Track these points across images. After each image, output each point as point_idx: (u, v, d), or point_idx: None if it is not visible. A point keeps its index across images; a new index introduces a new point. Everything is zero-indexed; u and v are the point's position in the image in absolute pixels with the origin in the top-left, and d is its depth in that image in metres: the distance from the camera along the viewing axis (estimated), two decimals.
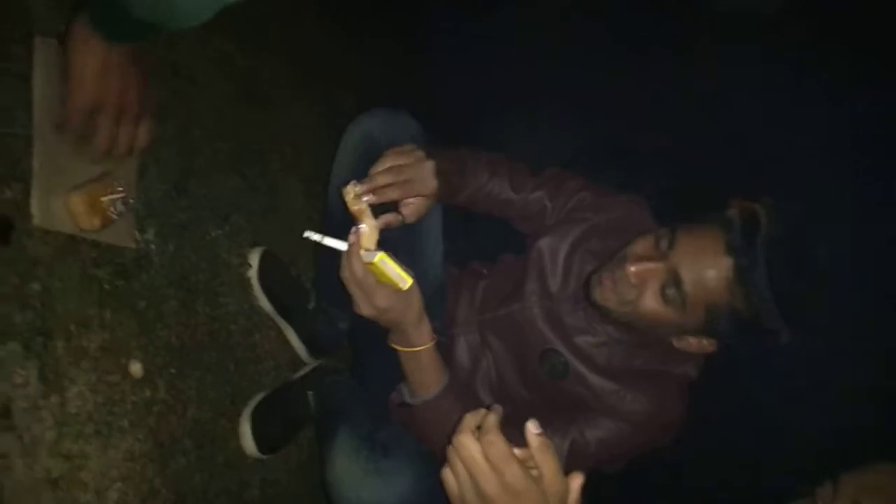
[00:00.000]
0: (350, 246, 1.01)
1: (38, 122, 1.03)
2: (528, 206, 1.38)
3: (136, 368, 1.18)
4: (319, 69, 2.11)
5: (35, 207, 1.01)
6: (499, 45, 2.54)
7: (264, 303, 1.55)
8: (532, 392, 1.33)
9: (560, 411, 1.25)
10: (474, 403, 1.28)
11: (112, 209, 1.10)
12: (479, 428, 0.78)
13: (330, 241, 1.02)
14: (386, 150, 1.18)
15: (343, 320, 1.56)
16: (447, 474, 0.79)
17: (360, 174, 1.13)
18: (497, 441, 0.75)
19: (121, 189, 1.11)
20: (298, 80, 1.94)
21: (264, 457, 1.44)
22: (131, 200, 1.14)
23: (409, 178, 1.10)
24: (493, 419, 0.78)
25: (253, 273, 1.53)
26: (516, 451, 0.76)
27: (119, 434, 1.12)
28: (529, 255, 1.36)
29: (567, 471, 0.77)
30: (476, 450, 0.75)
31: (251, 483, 1.46)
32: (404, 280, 0.99)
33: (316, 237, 1.02)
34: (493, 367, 1.38)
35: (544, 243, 1.35)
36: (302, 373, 1.61)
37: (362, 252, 0.99)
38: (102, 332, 1.11)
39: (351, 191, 1.03)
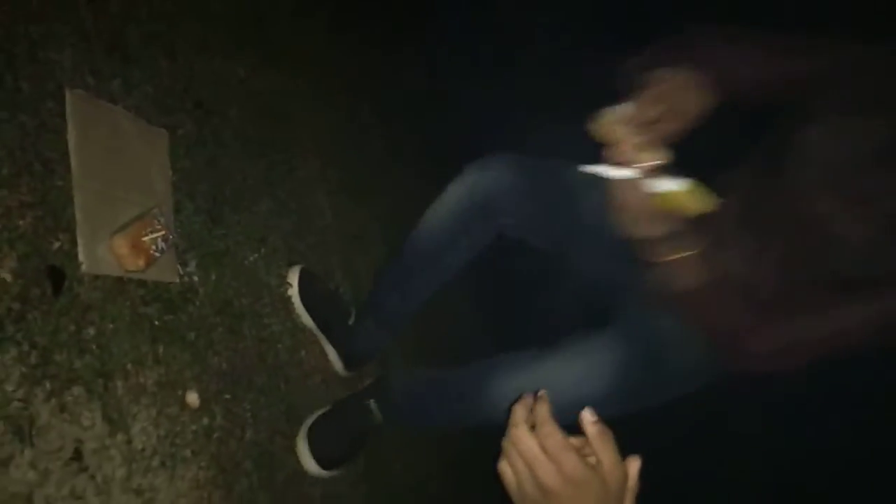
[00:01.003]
0: (634, 175, 0.93)
1: (77, 172, 1.06)
2: (801, 76, 1.17)
3: (192, 398, 1.21)
4: (335, 81, 2.13)
5: (82, 255, 1.04)
6: (511, 49, 2.55)
7: (306, 319, 1.58)
8: (827, 288, 1.15)
9: (864, 288, 1.10)
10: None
11: (153, 248, 1.13)
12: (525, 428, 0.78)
13: (614, 173, 0.95)
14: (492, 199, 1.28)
15: (383, 338, 1.60)
16: (504, 467, 0.78)
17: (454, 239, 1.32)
18: (553, 432, 0.75)
19: (160, 227, 1.14)
20: (316, 94, 1.97)
21: (327, 473, 1.47)
22: (171, 237, 1.17)
23: (671, 103, 0.98)
24: (544, 410, 0.77)
25: (294, 291, 1.56)
26: (571, 439, 0.76)
27: (183, 464, 1.16)
28: (799, 139, 1.16)
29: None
30: (533, 442, 0.75)
31: (313, 498, 1.50)
32: (704, 204, 0.94)
33: (594, 169, 0.96)
34: (772, 272, 1.19)
35: (819, 121, 1.14)
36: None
37: (661, 180, 0.92)
38: (157, 368, 1.15)
39: (611, 117, 0.93)
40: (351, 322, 1.59)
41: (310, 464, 1.45)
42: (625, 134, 0.92)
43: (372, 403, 1.49)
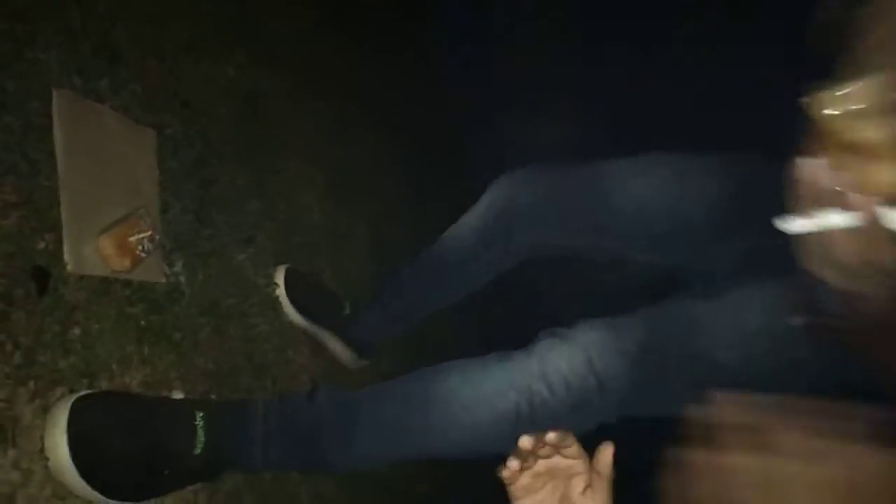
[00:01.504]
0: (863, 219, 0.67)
1: (63, 172, 1.06)
2: None
3: (176, 397, 1.21)
4: (324, 82, 2.13)
5: (68, 255, 1.04)
6: (498, 43, 2.55)
7: (296, 318, 1.58)
8: None
9: None
10: None
11: (140, 248, 1.13)
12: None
13: (834, 219, 0.69)
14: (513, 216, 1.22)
15: (386, 332, 1.57)
16: None
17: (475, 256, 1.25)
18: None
19: (146, 227, 1.14)
20: (305, 94, 1.97)
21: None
22: (157, 237, 1.17)
23: None
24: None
25: (281, 291, 1.56)
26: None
27: None
28: None
29: None
30: None
31: (299, 497, 1.50)
32: None
33: (802, 224, 0.73)
34: None
35: None
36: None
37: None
38: (143, 368, 1.15)
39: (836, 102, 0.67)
40: (346, 312, 1.57)
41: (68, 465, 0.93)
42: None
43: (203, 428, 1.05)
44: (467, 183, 1.44)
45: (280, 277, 1.56)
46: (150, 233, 1.14)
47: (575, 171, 1.25)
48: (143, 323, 1.17)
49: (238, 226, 1.51)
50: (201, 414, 1.04)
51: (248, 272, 1.51)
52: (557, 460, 0.78)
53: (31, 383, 0.94)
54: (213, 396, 1.29)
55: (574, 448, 0.79)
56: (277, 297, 1.56)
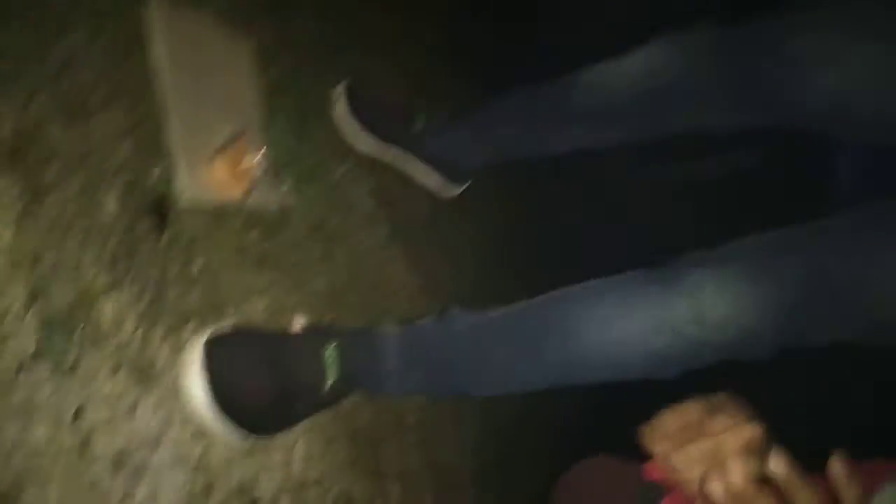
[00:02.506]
0: None
1: (167, 94, 0.98)
2: None
3: (299, 322, 1.17)
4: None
5: (182, 184, 0.98)
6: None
7: (365, 142, 1.39)
8: None
9: None
10: None
11: (252, 170, 1.06)
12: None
13: None
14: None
15: (477, 155, 1.40)
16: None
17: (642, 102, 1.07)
18: None
19: (256, 147, 1.07)
20: None
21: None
22: (265, 158, 1.10)
23: None
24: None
25: (343, 109, 1.37)
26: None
27: None
28: None
29: None
30: None
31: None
32: None
33: None
34: None
35: None
36: None
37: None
38: (264, 295, 1.10)
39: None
40: (420, 125, 1.39)
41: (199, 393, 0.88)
42: None
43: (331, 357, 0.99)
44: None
45: (341, 93, 1.37)
46: (260, 153, 1.07)
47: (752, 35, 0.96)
48: (259, 249, 1.12)
49: (334, 138, 1.41)
50: (330, 347, 0.99)
51: (347, 188, 1.43)
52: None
53: (163, 323, 0.90)
54: (333, 318, 1.24)
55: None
56: (339, 115, 1.38)
